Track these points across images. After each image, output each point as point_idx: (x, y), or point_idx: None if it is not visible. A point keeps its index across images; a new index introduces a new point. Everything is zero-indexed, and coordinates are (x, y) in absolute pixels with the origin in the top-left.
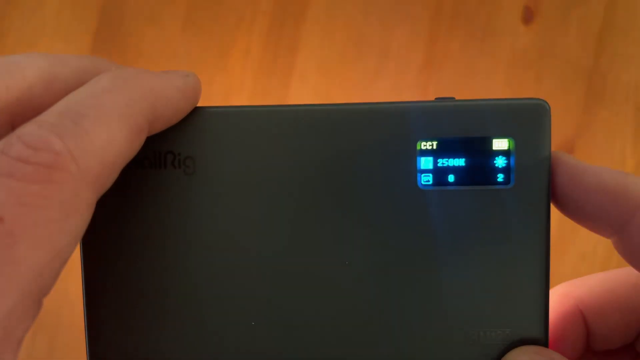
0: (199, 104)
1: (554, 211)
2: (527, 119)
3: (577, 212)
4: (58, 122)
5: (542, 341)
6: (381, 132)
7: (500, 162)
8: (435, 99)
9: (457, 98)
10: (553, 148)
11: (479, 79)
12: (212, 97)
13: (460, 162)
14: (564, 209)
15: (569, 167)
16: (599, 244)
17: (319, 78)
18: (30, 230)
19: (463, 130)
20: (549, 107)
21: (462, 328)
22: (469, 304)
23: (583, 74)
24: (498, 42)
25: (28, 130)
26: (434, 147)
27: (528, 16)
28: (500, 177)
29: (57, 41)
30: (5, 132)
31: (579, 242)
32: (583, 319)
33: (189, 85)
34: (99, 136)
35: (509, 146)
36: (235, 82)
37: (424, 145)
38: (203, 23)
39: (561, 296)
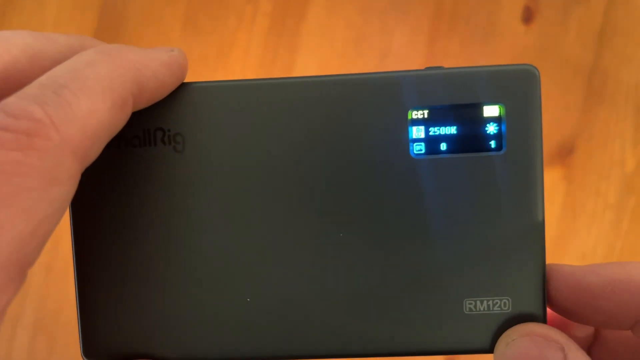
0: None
1: (552, 211)
2: (517, 85)
3: (596, 316)
4: (39, 92)
5: (540, 315)
6: (372, 103)
7: (491, 128)
8: (425, 68)
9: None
10: (553, 148)
11: None
12: None
13: (451, 129)
14: (582, 317)
15: (569, 276)
16: (599, 244)
17: None
18: (11, 197)
19: (454, 97)
20: (539, 73)
21: (458, 297)
22: (464, 272)
23: (583, 74)
24: (498, 42)
25: (9, 101)
26: (425, 115)
27: (528, 16)
28: (493, 144)
29: None
30: None
31: (578, 242)
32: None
33: (173, 59)
34: (81, 106)
35: (500, 112)
36: None
37: (415, 114)
38: (203, 23)
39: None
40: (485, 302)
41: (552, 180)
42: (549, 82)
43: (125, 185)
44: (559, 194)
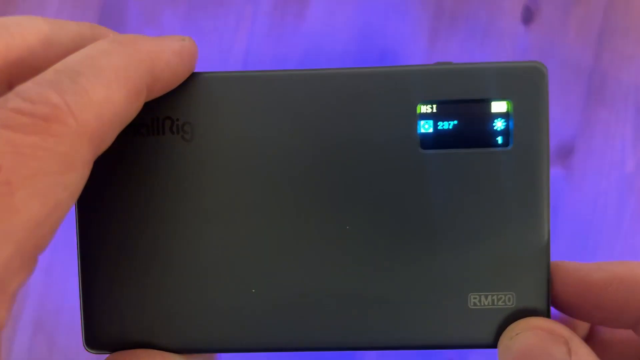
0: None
1: (553, 208)
2: (525, 81)
3: (597, 313)
4: (56, 79)
5: (543, 309)
6: (381, 96)
7: (499, 124)
8: (435, 63)
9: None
10: (553, 148)
11: None
12: None
13: (459, 124)
14: (582, 314)
15: (573, 272)
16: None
17: None
18: (28, 180)
19: (462, 93)
20: (546, 69)
21: (463, 292)
22: (469, 267)
23: (583, 74)
24: (498, 42)
25: (26, 87)
26: (434, 110)
27: (528, 16)
28: (500, 140)
29: None
30: (2, 92)
31: None
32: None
33: (185, 49)
34: (97, 93)
35: (508, 108)
36: None
37: (424, 109)
38: (203, 23)
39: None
40: (489, 297)
41: (552, 181)
42: (549, 82)
43: (132, 174)
44: (559, 194)
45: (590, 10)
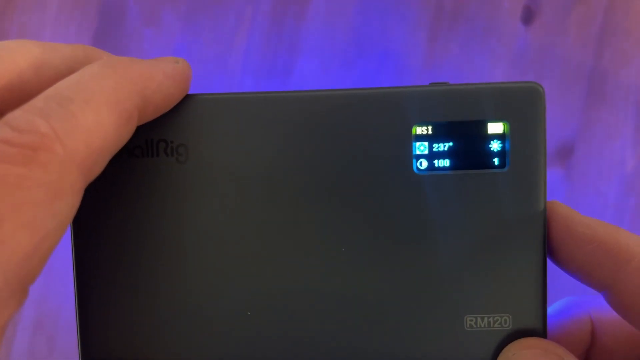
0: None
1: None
2: (522, 102)
3: (569, 263)
4: (44, 105)
5: (540, 330)
6: (376, 118)
7: (495, 145)
8: (430, 83)
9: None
10: (553, 148)
11: (478, 79)
12: None
13: (455, 146)
14: (556, 259)
15: (562, 217)
16: None
17: (319, 78)
18: (15, 211)
19: (458, 114)
20: (544, 90)
21: (459, 314)
22: (466, 289)
23: (583, 74)
24: (498, 42)
25: (15, 115)
26: (429, 131)
27: (528, 16)
28: (496, 161)
29: (57, 41)
30: None
31: None
32: (591, 328)
33: (178, 71)
34: (86, 119)
35: (504, 130)
36: (235, 82)
37: (419, 130)
38: (203, 23)
39: (574, 302)
40: (485, 318)
41: (552, 181)
42: (548, 82)
43: (126, 195)
44: (559, 194)
45: (590, 10)
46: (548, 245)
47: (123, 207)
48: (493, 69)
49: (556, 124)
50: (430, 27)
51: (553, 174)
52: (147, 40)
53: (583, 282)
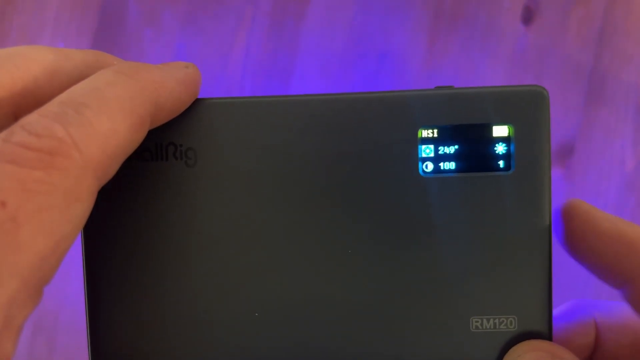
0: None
1: (553, 208)
2: (527, 106)
3: (590, 258)
4: (61, 111)
5: (545, 332)
6: (382, 121)
7: (500, 148)
8: (435, 87)
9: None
10: (553, 148)
11: (478, 79)
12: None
13: (461, 149)
14: (577, 253)
15: (585, 212)
16: None
17: (319, 78)
18: (34, 216)
19: (463, 117)
20: (548, 94)
21: (465, 315)
22: (471, 291)
23: (583, 74)
24: (498, 42)
25: (31, 119)
26: (435, 134)
27: (528, 16)
28: (501, 164)
29: (57, 41)
30: (8, 123)
31: None
32: (596, 332)
33: (189, 77)
34: (101, 125)
35: (509, 133)
36: (235, 82)
37: (425, 133)
38: (203, 23)
39: (579, 305)
40: (491, 320)
41: (553, 181)
42: (548, 82)
43: (135, 199)
44: (559, 194)
45: (590, 10)
46: (569, 240)
47: (132, 210)
48: (493, 69)
49: (556, 123)
50: (430, 27)
51: (553, 174)
52: (147, 41)
53: (602, 278)
